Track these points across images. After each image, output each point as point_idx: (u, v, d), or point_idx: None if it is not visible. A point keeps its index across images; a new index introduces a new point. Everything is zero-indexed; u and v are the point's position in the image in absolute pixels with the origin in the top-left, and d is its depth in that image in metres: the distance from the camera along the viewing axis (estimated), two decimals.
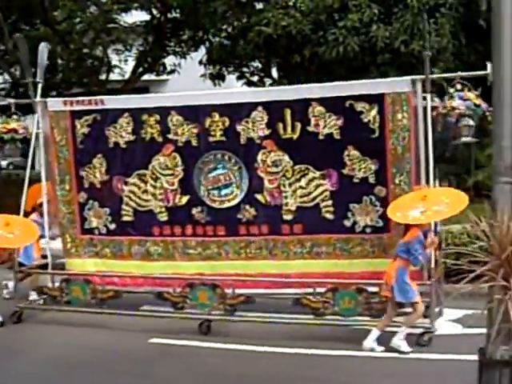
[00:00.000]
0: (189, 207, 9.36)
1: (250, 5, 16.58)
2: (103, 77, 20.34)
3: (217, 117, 9.11)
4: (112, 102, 9.64)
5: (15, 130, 9.70)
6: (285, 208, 9.06)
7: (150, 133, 9.37)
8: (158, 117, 9.31)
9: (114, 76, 20.65)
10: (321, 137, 8.83)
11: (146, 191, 9.48)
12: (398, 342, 7.64)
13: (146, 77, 21.04)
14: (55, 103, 9.83)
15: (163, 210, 9.44)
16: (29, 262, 9.91)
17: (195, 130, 9.22)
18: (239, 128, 9.06)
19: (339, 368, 7.24)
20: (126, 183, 9.55)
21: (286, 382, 7.01)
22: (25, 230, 8.97)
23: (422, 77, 8.51)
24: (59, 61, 19.94)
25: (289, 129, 8.92)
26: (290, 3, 14.67)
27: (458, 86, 8.42)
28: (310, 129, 8.84)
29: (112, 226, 9.67)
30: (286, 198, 9.04)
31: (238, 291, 8.65)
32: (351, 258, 8.91)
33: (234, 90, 9.44)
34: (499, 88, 4.33)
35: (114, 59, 20.87)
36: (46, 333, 8.78)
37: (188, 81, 18.49)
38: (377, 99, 8.59)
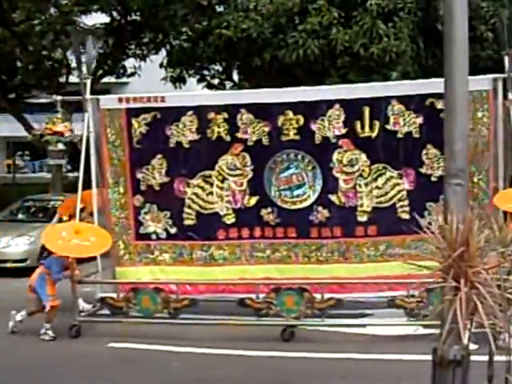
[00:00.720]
0: (258, 208, 8.97)
1: (210, 8, 16.38)
2: (63, 79, 19.52)
3: (290, 115, 8.79)
4: (174, 99, 9.10)
5: (61, 133, 8.98)
6: (360, 209, 8.85)
7: (217, 131, 8.93)
8: (226, 115, 8.88)
9: (73, 78, 19.77)
10: (399, 135, 8.71)
11: (211, 193, 9.01)
12: None
13: (106, 79, 20.31)
14: (109, 100, 9.18)
15: (230, 211, 9.00)
16: None
17: (266, 129, 8.85)
18: (314, 127, 8.78)
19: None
20: (188, 185, 9.04)
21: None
22: (98, 236, 8.30)
23: (504, 75, 8.53)
24: (18, 63, 19.00)
25: (367, 127, 8.73)
26: (251, 6, 14.50)
27: None
28: (389, 127, 8.70)
29: (173, 230, 9.11)
30: (361, 198, 8.83)
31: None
32: (426, 259, 8.76)
33: (309, 88, 9.05)
34: (451, 90, 4.35)
35: (74, 61, 20.01)
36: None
37: (149, 83, 18.10)
38: None
